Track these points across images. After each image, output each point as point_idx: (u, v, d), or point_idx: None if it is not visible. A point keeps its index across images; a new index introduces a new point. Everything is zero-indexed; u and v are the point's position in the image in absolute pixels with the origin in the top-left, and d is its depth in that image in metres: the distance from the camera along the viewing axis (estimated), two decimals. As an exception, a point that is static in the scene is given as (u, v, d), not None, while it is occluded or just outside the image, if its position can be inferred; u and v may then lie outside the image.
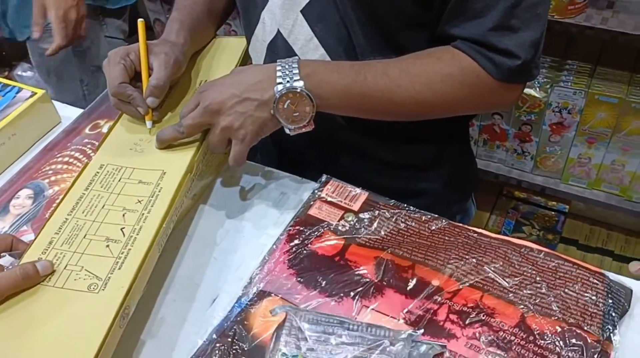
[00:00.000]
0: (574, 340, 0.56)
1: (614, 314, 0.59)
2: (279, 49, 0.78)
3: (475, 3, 0.66)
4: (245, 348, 0.58)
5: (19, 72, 2.57)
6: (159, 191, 0.66)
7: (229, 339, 0.59)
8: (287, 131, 0.70)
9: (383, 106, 0.72)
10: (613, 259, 1.79)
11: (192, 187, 0.72)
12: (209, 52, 0.88)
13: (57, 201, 0.70)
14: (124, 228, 0.62)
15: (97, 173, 0.69)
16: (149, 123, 0.74)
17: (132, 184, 0.67)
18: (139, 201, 0.65)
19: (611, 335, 0.57)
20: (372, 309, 0.61)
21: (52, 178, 0.73)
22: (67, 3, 1.16)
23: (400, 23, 0.73)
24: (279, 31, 0.77)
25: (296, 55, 0.77)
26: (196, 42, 0.85)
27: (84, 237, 0.61)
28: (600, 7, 1.29)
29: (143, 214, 0.63)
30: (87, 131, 0.80)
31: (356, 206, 0.73)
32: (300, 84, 0.67)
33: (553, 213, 1.92)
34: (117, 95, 0.73)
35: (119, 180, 0.68)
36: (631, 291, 0.62)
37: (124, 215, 0.63)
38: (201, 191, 0.78)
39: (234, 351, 0.58)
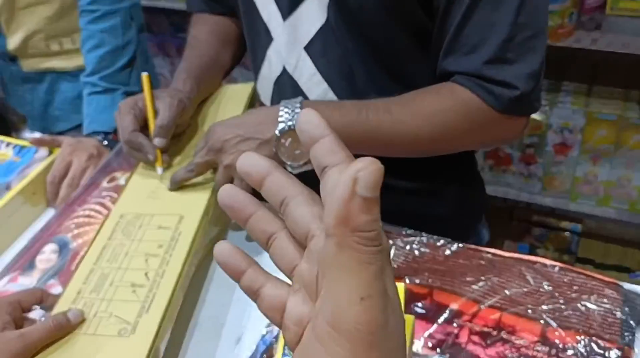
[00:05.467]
0: (595, 349, 0.57)
1: (631, 321, 0.60)
2: (285, 85, 0.82)
3: (468, 38, 0.69)
4: (273, 383, 0.59)
5: (27, 136, 2.64)
6: (179, 236, 0.68)
7: (257, 375, 0.61)
8: (290, 169, 0.72)
9: (385, 144, 0.73)
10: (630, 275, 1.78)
11: (209, 231, 0.74)
12: (216, 100, 0.91)
13: (82, 253, 0.72)
14: (147, 272, 0.64)
15: (118, 222, 0.71)
16: (159, 169, 0.76)
17: (152, 230, 0.69)
18: (160, 246, 0.67)
19: (630, 341, 0.58)
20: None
21: (75, 232, 0.76)
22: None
23: (400, 56, 0.76)
24: (284, 68, 0.81)
25: (301, 90, 0.80)
26: (203, 90, 0.89)
27: (111, 284, 0.63)
28: (588, 28, 1.33)
29: (165, 258, 0.65)
30: (104, 184, 0.83)
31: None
32: None
33: (566, 233, 1.92)
34: (129, 143, 0.76)
35: (140, 227, 0.70)
36: (647, 298, 0.63)
37: (146, 260, 0.66)
38: (217, 235, 0.80)
39: (262, 387, 0.59)
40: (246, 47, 0.99)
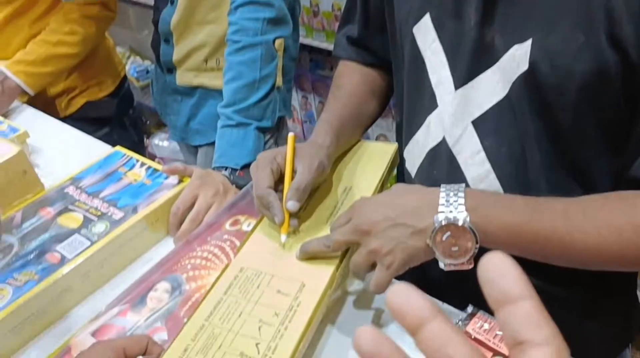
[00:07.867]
0: None
1: None
2: (441, 157, 0.74)
3: None
4: None
5: (157, 142, 2.75)
6: (297, 306, 0.62)
7: None
8: (442, 266, 0.62)
9: (559, 252, 0.62)
10: None
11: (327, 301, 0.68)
12: (354, 157, 0.86)
13: (193, 299, 0.69)
14: (259, 343, 0.58)
15: (237, 276, 0.67)
16: (283, 237, 0.71)
17: (271, 293, 0.64)
18: (276, 315, 0.61)
19: None
20: None
21: (190, 273, 0.72)
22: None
23: (585, 149, 0.65)
24: (444, 138, 0.72)
25: (459, 165, 0.72)
26: (342, 144, 0.83)
27: (219, 348, 0.58)
28: None
29: (279, 330, 0.60)
30: (227, 226, 0.79)
31: (507, 350, 0.65)
32: (465, 216, 0.59)
33: None
34: (260, 198, 0.72)
35: (258, 287, 0.65)
36: None
37: (259, 328, 0.60)
38: (332, 304, 0.73)
39: None
40: (388, 101, 0.93)
